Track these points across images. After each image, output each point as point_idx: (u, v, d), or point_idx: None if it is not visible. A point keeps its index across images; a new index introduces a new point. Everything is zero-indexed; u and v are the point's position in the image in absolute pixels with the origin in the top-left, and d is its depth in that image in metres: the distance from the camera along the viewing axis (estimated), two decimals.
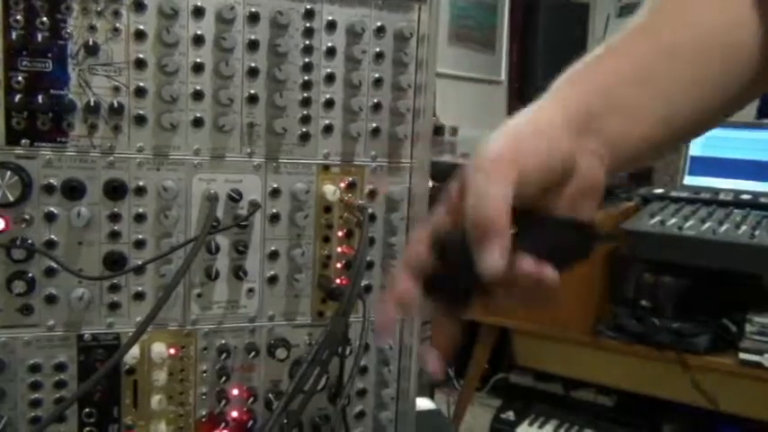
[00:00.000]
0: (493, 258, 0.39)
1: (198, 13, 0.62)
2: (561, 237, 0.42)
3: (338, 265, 0.70)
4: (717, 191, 2.02)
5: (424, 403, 0.91)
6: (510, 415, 2.12)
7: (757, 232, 1.71)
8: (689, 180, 2.18)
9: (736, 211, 1.88)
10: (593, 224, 0.43)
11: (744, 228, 1.76)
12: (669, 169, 2.81)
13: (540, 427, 2.08)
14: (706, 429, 1.95)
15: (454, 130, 2.48)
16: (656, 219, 1.84)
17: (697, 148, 2.18)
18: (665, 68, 0.44)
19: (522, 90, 3.44)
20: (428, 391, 2.11)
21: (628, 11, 3.41)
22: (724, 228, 1.77)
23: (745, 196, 1.95)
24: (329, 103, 0.67)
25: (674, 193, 2.04)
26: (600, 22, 3.56)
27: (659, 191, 2.08)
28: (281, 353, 0.68)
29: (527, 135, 0.41)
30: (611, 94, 0.43)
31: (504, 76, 3.54)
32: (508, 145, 0.41)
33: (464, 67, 3.20)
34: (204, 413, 0.68)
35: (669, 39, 0.45)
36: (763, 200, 1.92)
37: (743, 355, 1.70)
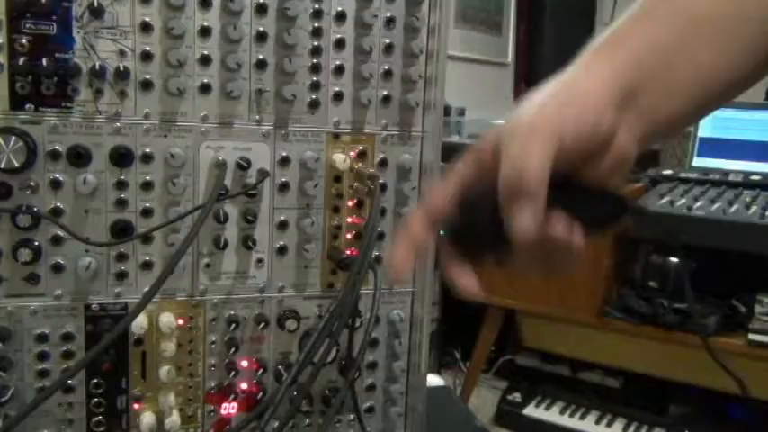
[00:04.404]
0: (525, 221, 0.38)
1: None
2: (593, 204, 0.42)
3: (348, 236, 0.69)
4: (726, 172, 2.00)
5: (433, 379, 0.90)
6: (516, 396, 2.12)
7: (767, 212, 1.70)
8: (697, 162, 2.16)
9: (745, 191, 1.86)
10: (623, 196, 0.42)
11: (754, 208, 1.74)
12: (677, 151, 2.78)
13: (547, 408, 2.08)
14: (713, 411, 1.94)
15: (461, 111, 2.46)
16: (665, 199, 1.83)
17: (706, 129, 2.16)
18: (701, 35, 0.42)
19: (529, 72, 3.41)
20: (436, 369, 2.11)
21: None
22: (734, 208, 1.75)
23: (754, 177, 1.93)
24: (339, 70, 0.66)
25: (682, 175, 2.02)
26: (608, 4, 3.52)
27: (668, 172, 2.06)
28: (290, 324, 0.67)
29: (570, 104, 0.40)
30: (650, 65, 0.42)
31: (510, 58, 3.51)
32: (549, 109, 0.40)
33: (470, 49, 3.17)
34: (213, 384, 0.67)
35: (704, 4, 0.43)
36: None
37: (752, 336, 1.69)
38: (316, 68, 0.65)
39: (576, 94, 0.41)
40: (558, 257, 0.41)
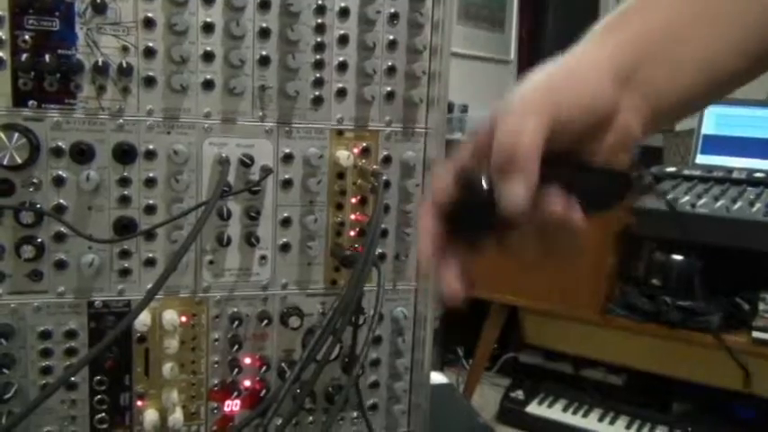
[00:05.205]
0: (516, 192, 0.37)
1: None
2: (592, 180, 0.41)
3: (351, 233, 0.69)
4: (729, 169, 2.00)
5: (436, 377, 0.90)
6: (519, 394, 2.12)
7: None
8: (701, 159, 2.15)
9: (749, 189, 1.86)
10: (626, 172, 0.41)
11: (758, 206, 1.74)
12: (680, 149, 2.78)
13: (550, 406, 2.08)
14: (716, 408, 1.94)
15: (464, 109, 2.45)
16: (669, 197, 1.82)
17: (709, 126, 2.15)
18: (705, 17, 0.42)
19: (532, 69, 3.40)
20: (438, 367, 2.10)
21: None
22: (737, 206, 1.74)
23: (758, 174, 1.93)
24: (342, 66, 0.65)
25: (686, 172, 2.02)
26: (610, 1, 3.51)
27: (671, 169, 2.06)
28: (293, 321, 0.67)
29: (568, 78, 0.40)
30: (653, 43, 0.42)
31: (513, 55, 3.51)
32: (546, 84, 0.39)
33: (473, 46, 3.16)
34: (216, 382, 0.67)
35: None
36: None
37: (756, 334, 1.69)
38: (319, 65, 0.65)
39: (574, 70, 0.41)
40: (558, 239, 0.40)
